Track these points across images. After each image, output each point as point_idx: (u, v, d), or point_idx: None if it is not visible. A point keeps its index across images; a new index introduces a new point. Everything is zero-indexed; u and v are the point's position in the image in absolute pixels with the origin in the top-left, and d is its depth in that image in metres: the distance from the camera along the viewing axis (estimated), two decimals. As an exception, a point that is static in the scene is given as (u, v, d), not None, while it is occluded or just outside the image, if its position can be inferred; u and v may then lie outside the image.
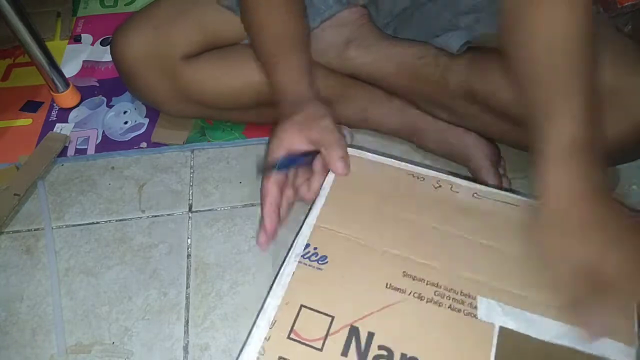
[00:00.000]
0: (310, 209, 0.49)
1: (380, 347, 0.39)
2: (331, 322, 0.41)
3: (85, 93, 0.80)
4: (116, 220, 0.63)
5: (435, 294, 0.42)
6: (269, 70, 0.57)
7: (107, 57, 0.87)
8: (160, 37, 0.60)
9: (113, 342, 0.52)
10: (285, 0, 0.56)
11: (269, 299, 0.42)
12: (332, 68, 0.64)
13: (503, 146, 0.63)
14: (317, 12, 0.61)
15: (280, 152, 0.51)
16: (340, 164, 0.50)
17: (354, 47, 0.62)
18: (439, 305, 0.41)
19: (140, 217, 0.63)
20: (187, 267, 0.58)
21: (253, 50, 0.59)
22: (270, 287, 0.43)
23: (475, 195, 0.49)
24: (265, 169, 0.52)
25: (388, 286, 0.43)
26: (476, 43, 0.60)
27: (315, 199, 0.50)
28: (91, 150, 0.72)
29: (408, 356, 0.39)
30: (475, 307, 0.41)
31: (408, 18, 0.65)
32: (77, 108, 0.78)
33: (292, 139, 0.51)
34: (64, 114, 0.77)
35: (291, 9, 0.56)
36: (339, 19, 0.62)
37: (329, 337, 0.40)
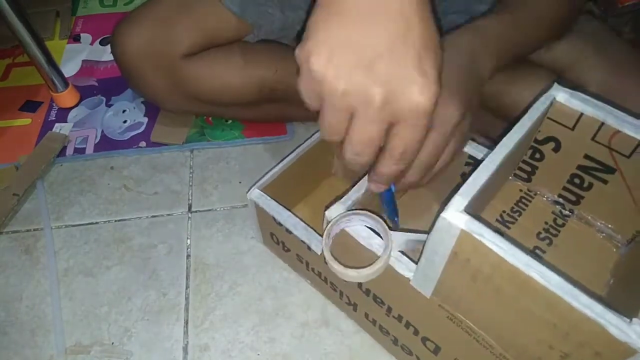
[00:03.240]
0: None
1: None
2: None
3: (85, 93, 0.80)
4: (115, 221, 0.63)
5: None
6: None
7: (107, 57, 0.87)
8: (160, 35, 0.60)
9: (112, 343, 0.52)
10: None
11: None
12: None
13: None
14: None
15: None
16: None
17: None
18: None
19: (140, 217, 0.63)
20: (187, 268, 0.58)
21: None
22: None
23: None
24: None
25: None
26: None
27: None
28: (90, 149, 0.71)
29: None
30: None
31: None
32: (77, 108, 0.78)
33: None
34: (63, 114, 0.77)
35: None
36: None
37: None
